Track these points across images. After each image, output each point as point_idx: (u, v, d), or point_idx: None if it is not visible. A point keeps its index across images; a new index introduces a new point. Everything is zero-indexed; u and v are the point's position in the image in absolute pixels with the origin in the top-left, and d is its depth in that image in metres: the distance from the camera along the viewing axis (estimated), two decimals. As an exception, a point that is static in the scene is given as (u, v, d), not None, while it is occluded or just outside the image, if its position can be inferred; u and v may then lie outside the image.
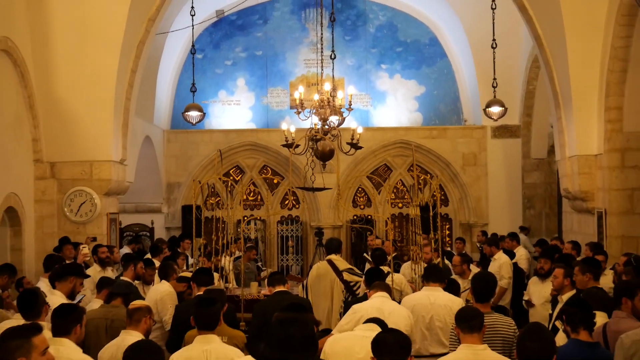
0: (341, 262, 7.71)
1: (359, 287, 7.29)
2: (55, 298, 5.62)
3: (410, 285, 7.73)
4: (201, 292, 5.91)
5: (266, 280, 8.16)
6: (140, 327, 4.67)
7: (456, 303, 5.90)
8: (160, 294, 6.71)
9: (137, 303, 5.01)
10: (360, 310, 5.45)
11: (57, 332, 4.21)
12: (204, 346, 4.23)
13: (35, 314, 4.74)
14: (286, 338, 2.37)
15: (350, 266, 7.96)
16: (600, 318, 4.76)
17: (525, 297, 8.24)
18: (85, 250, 8.83)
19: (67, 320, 4.23)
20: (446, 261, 9.09)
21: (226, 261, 8.90)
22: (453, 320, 4.55)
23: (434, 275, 6.16)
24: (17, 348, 3.27)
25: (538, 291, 7.96)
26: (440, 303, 5.83)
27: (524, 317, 8.22)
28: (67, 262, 7.94)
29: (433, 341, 5.69)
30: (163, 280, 7.15)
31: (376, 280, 5.97)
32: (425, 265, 7.45)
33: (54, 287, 6.09)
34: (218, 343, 4.31)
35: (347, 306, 6.29)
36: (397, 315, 5.31)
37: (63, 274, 6.09)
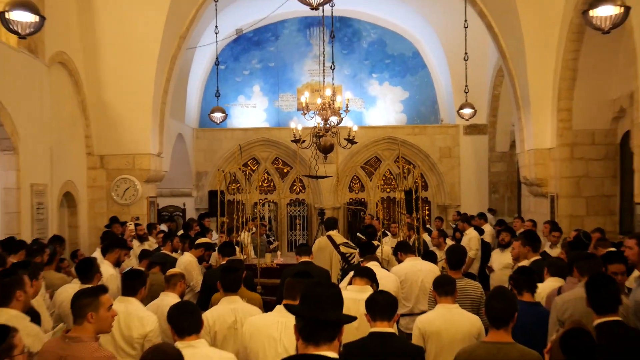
0: (338, 237, 7.68)
1: (353, 257, 7.30)
2: (104, 267, 5.62)
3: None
4: (224, 262, 5.95)
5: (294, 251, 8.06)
6: (176, 289, 4.68)
7: (436, 269, 6.08)
8: (184, 264, 6.70)
9: (172, 270, 5.04)
10: None
11: (127, 292, 4.15)
12: (230, 305, 4.24)
13: (90, 278, 4.71)
14: (321, 296, 2.31)
15: (346, 240, 7.95)
16: (557, 282, 4.76)
17: (489, 265, 8.27)
18: (131, 227, 8.89)
19: (135, 283, 4.19)
20: (424, 236, 9.07)
21: (246, 236, 8.94)
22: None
23: (408, 248, 6.33)
24: (87, 304, 3.27)
25: (498, 259, 7.99)
26: (426, 269, 5.95)
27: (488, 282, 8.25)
28: (115, 237, 7.97)
29: (425, 301, 5.71)
30: (185, 252, 7.20)
31: (368, 252, 6.01)
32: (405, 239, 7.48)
33: (104, 257, 6.14)
34: (241, 303, 4.33)
35: (344, 273, 6.34)
36: (387, 279, 5.35)
37: (110, 247, 6.13)
